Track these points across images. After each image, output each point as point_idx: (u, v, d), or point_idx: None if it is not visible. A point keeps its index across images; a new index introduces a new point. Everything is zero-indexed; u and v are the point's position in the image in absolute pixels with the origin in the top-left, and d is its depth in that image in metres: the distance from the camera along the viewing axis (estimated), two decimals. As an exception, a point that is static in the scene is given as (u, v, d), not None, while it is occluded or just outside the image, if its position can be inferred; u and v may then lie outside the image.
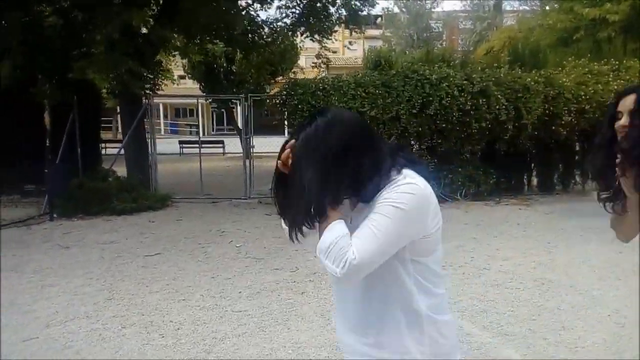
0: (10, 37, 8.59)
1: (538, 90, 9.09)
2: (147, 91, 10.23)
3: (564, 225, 7.29)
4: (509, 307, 4.18)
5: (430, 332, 1.40)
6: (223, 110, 23.73)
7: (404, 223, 1.27)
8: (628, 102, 1.54)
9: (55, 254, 6.14)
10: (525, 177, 10.35)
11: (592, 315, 4.01)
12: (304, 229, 1.33)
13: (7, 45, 8.60)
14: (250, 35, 12.88)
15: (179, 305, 4.34)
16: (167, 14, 9.99)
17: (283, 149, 1.37)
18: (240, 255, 5.93)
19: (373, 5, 14.66)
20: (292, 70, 19.46)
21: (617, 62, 10.01)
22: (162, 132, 35.24)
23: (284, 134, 16.86)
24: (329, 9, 13.36)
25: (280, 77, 18.65)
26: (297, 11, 13.45)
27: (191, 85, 27.01)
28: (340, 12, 14.22)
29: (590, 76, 9.61)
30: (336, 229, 1.25)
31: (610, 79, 9.45)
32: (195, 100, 18.74)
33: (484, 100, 8.81)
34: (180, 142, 20.77)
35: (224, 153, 20.48)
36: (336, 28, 14.84)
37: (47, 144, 11.01)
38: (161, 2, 10.43)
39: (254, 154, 11.07)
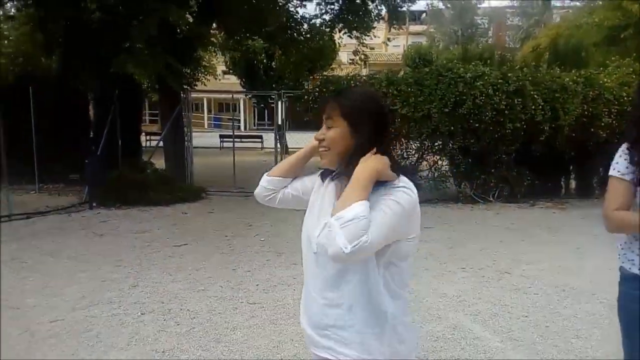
0: (58, 32, 9.04)
1: (577, 90, 8.78)
2: (185, 86, 10.53)
3: (598, 231, 7.00)
4: (524, 312, 4.11)
5: (392, 334, 1.45)
6: (263, 105, 24.03)
7: (402, 219, 1.36)
8: None
9: (89, 241, 6.46)
10: (562, 180, 10.02)
11: (611, 325, 3.89)
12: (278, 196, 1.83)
13: (55, 39, 9.06)
14: (289, 32, 13.00)
15: (198, 295, 4.50)
16: (206, 11, 10.24)
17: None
18: (263, 249, 6.06)
19: (413, 1, 14.51)
20: (332, 67, 19.44)
21: (665, 62, 9.57)
22: (206, 126, 36.11)
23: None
24: (368, 5, 13.29)
25: (319, 74, 18.72)
26: (336, 7, 13.48)
27: (234, 81, 27.47)
28: (380, 8, 14.16)
29: (634, 76, 9.20)
30: (365, 208, 1.29)
31: (656, 80, 9.03)
32: (236, 96, 19.05)
33: (519, 100, 8.58)
34: (221, 136, 21.18)
35: (262, 148, 20.76)
36: (375, 24, 14.75)
37: (91, 135, 11.51)
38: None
39: (289, 150, 11.21)
